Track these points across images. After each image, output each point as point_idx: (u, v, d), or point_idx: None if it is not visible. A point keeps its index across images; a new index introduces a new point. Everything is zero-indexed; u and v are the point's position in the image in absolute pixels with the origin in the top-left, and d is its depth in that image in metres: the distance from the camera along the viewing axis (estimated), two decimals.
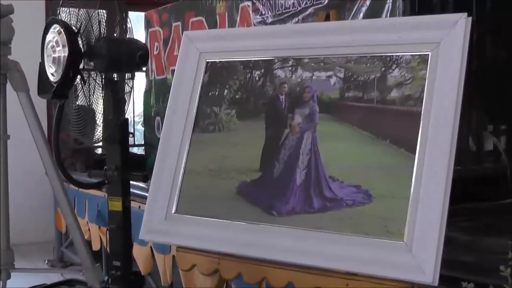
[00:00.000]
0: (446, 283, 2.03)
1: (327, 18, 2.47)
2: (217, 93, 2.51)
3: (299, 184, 2.24)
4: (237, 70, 2.49)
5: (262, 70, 2.44)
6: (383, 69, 2.21)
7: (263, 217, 2.25)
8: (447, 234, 1.93)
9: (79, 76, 2.76)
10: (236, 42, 2.49)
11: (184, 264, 2.39)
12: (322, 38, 2.33)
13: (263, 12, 4.58)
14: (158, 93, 5.83)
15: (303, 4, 4.20)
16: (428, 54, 2.12)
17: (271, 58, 2.42)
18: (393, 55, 2.20)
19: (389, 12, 3.56)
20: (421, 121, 2.07)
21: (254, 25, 4.62)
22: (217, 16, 5.10)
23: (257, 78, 2.45)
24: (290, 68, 2.38)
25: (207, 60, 2.51)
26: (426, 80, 2.10)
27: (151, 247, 3.70)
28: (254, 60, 2.46)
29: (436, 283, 1.89)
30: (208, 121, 2.49)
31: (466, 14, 2.07)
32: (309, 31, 2.41)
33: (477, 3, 3.49)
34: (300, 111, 2.31)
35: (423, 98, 2.09)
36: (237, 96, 2.48)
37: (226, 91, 2.50)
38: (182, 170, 2.43)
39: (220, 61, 2.52)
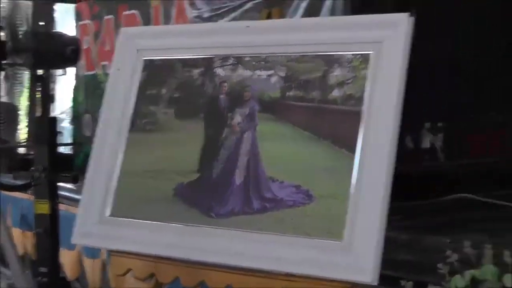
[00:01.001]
0: (386, 282, 2.03)
1: (269, 16, 2.43)
2: (155, 92, 2.45)
3: (238, 185, 2.20)
4: (176, 69, 2.43)
5: (202, 69, 2.38)
6: (324, 68, 2.18)
7: (201, 219, 2.20)
8: (385, 234, 1.93)
9: (3, 72, 2.65)
10: (175, 39, 2.44)
11: (118, 268, 2.32)
12: (264, 37, 2.29)
13: (199, 7, 4.53)
14: (87, 90, 5.67)
15: None
16: (370, 54, 2.10)
17: (211, 56, 2.37)
18: (334, 54, 2.18)
19: (329, 8, 3.56)
20: (362, 121, 2.05)
21: (190, 19, 4.55)
22: (152, 10, 5.01)
23: (196, 77, 2.39)
24: (230, 66, 2.33)
25: (145, 58, 2.45)
26: (368, 80, 2.08)
27: (79, 251, 3.61)
28: (194, 58, 2.40)
29: (376, 283, 1.88)
30: (146, 120, 2.43)
31: (408, 14, 2.07)
32: (251, 29, 2.36)
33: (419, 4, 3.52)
34: (240, 111, 2.27)
35: (364, 98, 2.08)
36: (175, 95, 2.42)
37: (164, 90, 2.44)
38: (118, 171, 2.36)
39: (158, 59, 2.46)
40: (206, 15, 4.45)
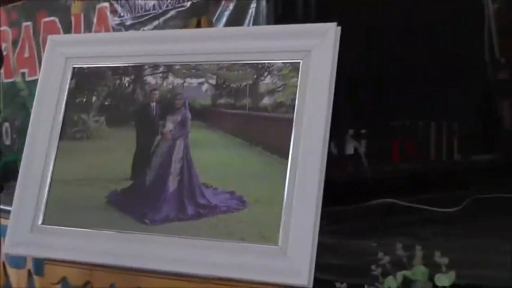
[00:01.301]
0: (321, 285, 2.08)
1: (198, 25, 2.46)
2: (85, 99, 2.43)
3: (172, 192, 2.22)
4: (106, 76, 2.42)
5: (132, 77, 2.39)
6: (255, 76, 2.22)
7: (136, 226, 2.20)
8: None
9: None
10: (105, 47, 2.43)
11: (53, 277, 2.29)
12: (194, 45, 2.31)
13: (121, 14, 4.52)
14: (6, 98, 5.56)
15: (164, 6, 4.18)
16: (300, 62, 2.16)
17: (141, 64, 2.38)
18: (265, 63, 2.22)
19: (252, 16, 3.62)
20: (293, 128, 2.10)
21: (113, 27, 4.54)
22: (72, 17, 4.96)
23: (127, 85, 2.39)
24: (161, 74, 2.35)
25: (74, 66, 2.43)
26: (298, 88, 2.13)
27: (3, 261, 3.53)
28: (124, 66, 2.40)
29: (311, 286, 1.93)
30: (76, 128, 2.41)
31: (336, 23, 2.14)
32: (180, 38, 2.38)
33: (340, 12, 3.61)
34: (172, 118, 2.29)
35: (295, 105, 2.13)
36: (106, 103, 2.41)
37: (94, 97, 2.42)
38: (48, 179, 2.34)
39: (87, 67, 2.44)
40: (128, 22, 4.44)
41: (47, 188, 2.33)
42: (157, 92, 2.34)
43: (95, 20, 4.70)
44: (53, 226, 2.29)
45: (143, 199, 2.24)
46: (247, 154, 2.18)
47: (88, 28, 4.70)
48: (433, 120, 4.13)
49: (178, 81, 2.32)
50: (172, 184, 2.22)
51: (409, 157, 4.05)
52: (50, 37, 2.50)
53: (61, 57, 2.44)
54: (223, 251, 2.06)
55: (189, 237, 2.12)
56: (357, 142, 3.80)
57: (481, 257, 2.47)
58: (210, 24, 2.60)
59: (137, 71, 2.38)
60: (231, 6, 3.72)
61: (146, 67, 2.37)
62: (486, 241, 2.81)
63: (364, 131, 3.84)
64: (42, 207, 2.31)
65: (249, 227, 2.08)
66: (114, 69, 2.42)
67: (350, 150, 3.77)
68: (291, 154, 2.08)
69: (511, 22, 4.77)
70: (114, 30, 4.44)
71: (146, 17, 4.30)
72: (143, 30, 4.23)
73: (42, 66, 2.44)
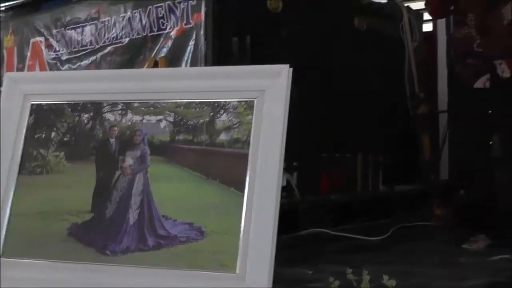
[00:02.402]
0: None
1: (155, 64, 2.57)
2: (44, 135, 2.50)
3: (133, 224, 2.31)
4: (65, 113, 2.50)
5: (91, 113, 2.47)
6: (211, 113, 2.36)
7: (97, 257, 2.28)
8: None
9: None
10: (64, 85, 2.51)
11: None
12: (152, 84, 2.43)
13: (57, 49, 4.56)
14: None
15: (102, 42, 4.25)
16: (254, 101, 2.31)
17: (100, 101, 2.48)
18: (221, 101, 2.37)
19: (191, 53, 3.76)
20: (249, 162, 2.25)
21: (48, 62, 4.57)
22: (5, 51, 4.96)
23: (86, 121, 2.48)
24: (120, 111, 2.45)
25: (32, 102, 2.50)
26: (253, 125, 2.29)
27: None
28: (83, 103, 2.49)
29: None
30: (35, 163, 2.47)
31: (288, 65, 2.31)
32: (139, 76, 2.50)
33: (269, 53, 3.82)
34: (131, 154, 2.39)
35: (250, 141, 2.28)
36: (65, 139, 2.49)
37: (53, 133, 2.50)
38: (7, 212, 2.39)
39: (46, 104, 2.51)
40: (64, 57, 4.49)
41: (6, 221, 2.38)
42: (116, 128, 2.43)
43: (29, 54, 4.72)
44: (13, 259, 2.33)
45: (104, 231, 2.32)
46: (205, 187, 2.31)
47: (22, 62, 4.72)
48: (359, 152, 4.35)
49: (137, 118, 2.42)
50: (132, 216, 2.32)
51: (338, 188, 4.24)
52: (7, 75, 2.56)
53: (19, 94, 2.50)
54: (184, 279, 2.16)
55: (150, 267, 2.22)
56: (289, 174, 3.95)
57: (409, 281, 2.69)
58: (167, 64, 2.72)
59: (96, 108, 2.47)
60: (170, 43, 3.84)
61: (105, 104, 2.47)
62: (412, 266, 3.04)
63: (296, 164, 4.01)
64: (1, 240, 2.35)
65: (208, 256, 2.19)
66: (73, 106, 2.50)
67: (283, 182, 3.91)
68: (247, 187, 2.22)
69: (428, 61, 5.10)
70: (49, 64, 4.49)
71: (83, 52, 4.36)
72: (80, 65, 4.30)
73: (1, 102, 2.49)
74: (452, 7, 3.92)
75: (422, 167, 4.64)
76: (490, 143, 4.32)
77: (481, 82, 3.77)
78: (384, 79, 4.52)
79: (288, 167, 3.91)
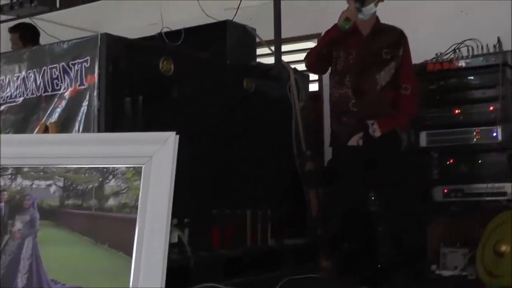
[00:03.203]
0: None
1: (46, 130, 2.64)
2: None
3: None
4: None
5: None
6: (100, 179, 2.45)
7: None
8: None
9: None
10: None
11: None
12: (42, 149, 2.49)
13: None
14: None
15: None
16: (142, 167, 2.42)
17: None
18: (109, 167, 2.46)
19: (84, 113, 3.82)
20: (137, 227, 2.34)
21: None
22: None
23: None
24: (9, 176, 2.49)
25: None
26: (140, 190, 2.39)
27: None
28: None
29: None
30: None
31: (175, 132, 2.43)
32: (29, 142, 2.56)
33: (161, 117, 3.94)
34: (21, 218, 2.44)
35: (138, 206, 2.38)
36: None
37: None
38: None
39: None
40: None
41: None
42: (6, 193, 2.47)
43: None
44: None
45: None
46: (94, 252, 2.38)
47: None
48: (249, 209, 4.49)
49: (27, 182, 2.48)
50: (21, 281, 2.35)
51: (228, 243, 4.36)
52: None
53: None
54: None
55: None
56: (180, 231, 4.04)
57: None
58: (57, 130, 2.78)
59: None
60: (64, 103, 3.88)
61: None
62: None
63: (187, 220, 4.10)
64: None
65: None
66: None
67: (174, 239, 4.00)
68: (135, 251, 2.31)
69: (314, 120, 5.35)
70: None
71: None
72: None
73: None
74: (328, 66, 4.18)
75: (309, 221, 4.83)
76: (372, 198, 4.60)
77: (355, 140, 4.02)
78: (273, 137, 4.72)
79: (179, 224, 3.99)
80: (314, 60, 4.17)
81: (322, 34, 4.26)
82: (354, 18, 3.94)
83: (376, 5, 4.08)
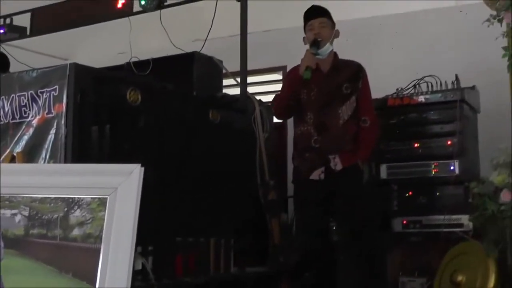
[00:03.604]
0: None
1: (12, 159, 2.69)
2: None
3: None
4: None
5: None
6: (65, 209, 2.50)
7: None
8: None
9: None
10: None
11: None
12: (8, 178, 2.53)
13: None
14: None
15: None
16: (107, 198, 2.49)
17: None
18: (75, 197, 2.52)
19: (51, 142, 3.87)
20: (101, 257, 2.40)
21: None
22: None
23: None
24: None
25: None
26: (105, 221, 2.46)
27: None
28: None
29: None
30: None
31: (140, 165, 2.51)
32: None
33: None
34: None
35: (102, 236, 2.44)
36: None
37: None
38: None
39: None
40: None
41: None
42: None
43: None
44: None
45: None
46: (58, 281, 2.42)
47: None
48: (212, 237, 4.56)
49: None
50: None
51: (192, 271, 4.41)
52: None
53: None
54: None
55: None
56: (144, 259, 4.08)
57: None
58: (24, 159, 2.84)
59: None
60: (31, 131, 3.92)
61: None
62: None
63: (151, 248, 4.15)
64: None
65: None
66: None
67: (138, 266, 4.04)
68: (99, 281, 2.36)
69: (278, 150, 5.46)
70: None
71: None
72: None
73: None
74: (292, 111, 4.31)
75: (271, 249, 4.91)
76: (334, 228, 4.71)
77: (316, 174, 4.13)
78: (237, 167, 4.80)
79: (143, 252, 4.04)
80: (282, 109, 4.33)
81: (284, 77, 4.40)
82: (314, 64, 4.07)
83: (331, 43, 4.22)
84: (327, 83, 4.19)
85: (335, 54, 4.30)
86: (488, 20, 3.95)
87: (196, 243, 4.46)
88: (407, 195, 4.95)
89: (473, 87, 5.00)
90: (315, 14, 4.25)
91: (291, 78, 4.27)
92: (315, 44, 4.13)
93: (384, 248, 4.61)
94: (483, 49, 5.16)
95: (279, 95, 4.46)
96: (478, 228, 4.16)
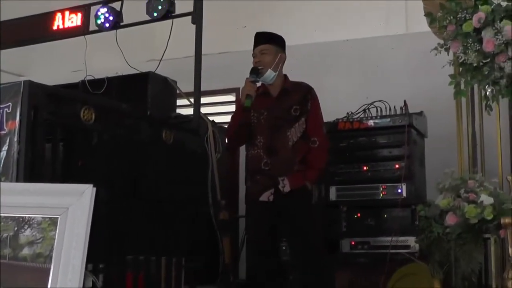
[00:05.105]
0: None
1: None
2: None
3: None
4: None
5: None
6: (15, 228, 2.51)
7: None
8: None
9: None
10: None
11: None
12: None
13: None
14: None
15: None
16: (58, 217, 2.51)
17: None
18: (25, 217, 2.54)
19: (3, 159, 3.88)
20: (51, 277, 2.42)
21: None
22: None
23: None
24: None
25: None
26: (56, 240, 2.48)
27: None
28: None
29: None
30: None
31: (92, 185, 2.54)
32: None
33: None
34: None
35: (52, 256, 2.47)
36: None
37: None
38: None
39: None
40: None
41: None
42: None
43: None
44: None
45: None
46: None
47: None
48: (163, 256, 4.59)
49: None
50: None
51: None
52: None
53: None
54: None
55: None
56: (95, 276, 4.08)
57: None
58: None
59: None
60: None
61: None
62: None
63: (102, 266, 4.16)
64: None
65: None
66: None
67: (88, 284, 4.05)
68: None
69: (230, 170, 5.53)
70: None
71: None
72: None
73: None
74: (242, 139, 4.41)
75: (222, 268, 4.96)
76: (284, 248, 4.78)
77: (266, 196, 4.21)
78: (189, 187, 4.85)
79: (94, 269, 4.04)
80: (231, 138, 4.43)
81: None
82: (253, 93, 4.16)
83: (276, 69, 4.29)
84: (276, 107, 4.27)
85: (285, 77, 4.38)
86: (435, 48, 4.08)
87: (147, 262, 4.48)
88: (355, 216, 5.05)
89: (420, 113, 5.15)
90: (256, 41, 4.35)
91: (237, 107, 4.38)
92: (254, 72, 4.22)
93: (333, 268, 4.68)
94: (431, 77, 5.34)
95: (228, 125, 4.54)
96: (424, 250, 4.27)
